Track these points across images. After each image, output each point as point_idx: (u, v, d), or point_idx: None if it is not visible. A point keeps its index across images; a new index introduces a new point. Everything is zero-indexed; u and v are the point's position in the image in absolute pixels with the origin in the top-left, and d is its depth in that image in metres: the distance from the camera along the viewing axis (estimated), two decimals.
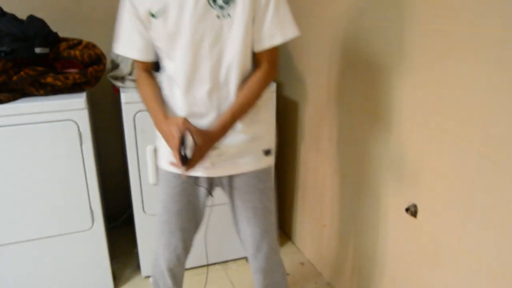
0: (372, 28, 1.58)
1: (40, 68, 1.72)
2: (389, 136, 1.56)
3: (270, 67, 1.26)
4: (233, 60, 1.21)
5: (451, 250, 1.36)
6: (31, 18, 1.78)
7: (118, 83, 1.96)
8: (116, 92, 2.03)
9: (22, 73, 1.69)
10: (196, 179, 1.40)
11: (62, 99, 1.72)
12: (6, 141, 1.67)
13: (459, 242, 1.33)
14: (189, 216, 1.43)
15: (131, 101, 1.81)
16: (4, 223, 1.75)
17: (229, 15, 1.17)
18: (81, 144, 1.76)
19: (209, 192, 1.45)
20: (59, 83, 1.75)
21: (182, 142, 1.17)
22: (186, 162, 1.19)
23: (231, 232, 2.15)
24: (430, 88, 1.35)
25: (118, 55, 2.04)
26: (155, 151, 1.85)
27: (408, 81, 1.44)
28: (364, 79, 1.66)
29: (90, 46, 1.85)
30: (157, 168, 1.46)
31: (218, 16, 1.17)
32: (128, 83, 1.94)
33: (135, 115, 1.83)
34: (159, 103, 1.30)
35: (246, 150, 1.35)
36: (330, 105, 1.91)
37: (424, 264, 1.50)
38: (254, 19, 1.19)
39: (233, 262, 2.24)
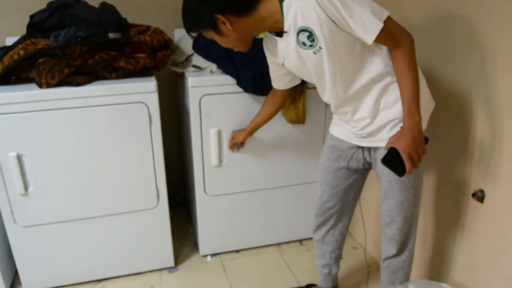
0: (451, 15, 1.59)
1: (113, 53, 1.80)
2: (456, 123, 1.58)
3: (395, 43, 1.28)
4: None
5: None
6: (104, 4, 1.85)
7: (179, 69, 2.03)
8: (180, 77, 2.10)
9: (97, 57, 1.77)
10: None
11: (134, 82, 1.80)
12: (81, 121, 1.75)
13: None
14: None
15: (197, 85, 1.87)
16: (75, 200, 1.85)
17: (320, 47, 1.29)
18: (150, 126, 1.83)
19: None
20: (130, 67, 1.82)
21: None
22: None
23: (284, 214, 2.23)
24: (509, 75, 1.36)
25: (180, 39, 2.11)
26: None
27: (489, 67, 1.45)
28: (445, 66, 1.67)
29: (158, 31, 1.92)
30: None
31: (314, 53, 1.32)
32: (190, 68, 2.00)
33: (200, 99, 1.89)
34: None
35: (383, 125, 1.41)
36: None
37: (491, 250, 1.52)
38: (346, 30, 1.26)
39: (286, 244, 2.30)
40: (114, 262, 2.03)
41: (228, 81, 1.90)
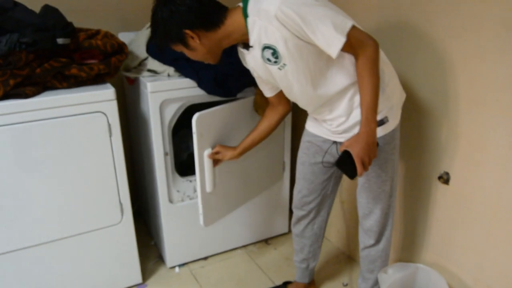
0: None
1: (64, 60, 1.65)
2: (421, 113, 1.67)
3: (359, 51, 1.28)
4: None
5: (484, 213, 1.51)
6: (47, 7, 1.69)
7: (132, 75, 1.92)
8: (132, 83, 1.98)
9: (46, 65, 1.61)
10: None
11: (90, 90, 1.67)
12: (31, 137, 1.58)
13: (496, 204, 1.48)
14: None
15: (157, 90, 1.78)
16: (33, 223, 1.67)
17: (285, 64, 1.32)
18: (110, 136, 1.71)
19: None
20: (83, 75, 1.68)
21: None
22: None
23: (248, 215, 2.21)
24: (471, 63, 1.47)
25: (130, 43, 2.00)
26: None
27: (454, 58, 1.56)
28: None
29: (109, 35, 1.80)
30: None
31: (279, 69, 1.35)
32: (145, 73, 1.90)
33: (161, 104, 1.80)
34: None
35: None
36: None
37: (457, 227, 1.64)
38: (310, 42, 1.26)
39: (253, 245, 2.29)
40: (77, 286, 1.86)
41: (188, 84, 1.84)
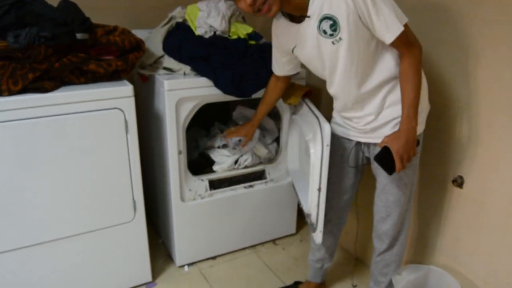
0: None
1: (82, 55, 1.64)
2: (437, 116, 1.68)
3: (407, 49, 1.33)
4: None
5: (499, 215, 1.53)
6: (66, 2, 1.68)
7: (148, 72, 1.91)
8: (145, 80, 1.98)
9: (65, 59, 1.60)
10: None
11: (108, 86, 1.66)
12: (48, 132, 1.56)
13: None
14: None
15: (174, 88, 1.78)
16: (46, 219, 1.65)
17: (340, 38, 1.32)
18: (126, 133, 1.70)
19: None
20: (101, 71, 1.67)
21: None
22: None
23: (256, 217, 2.21)
24: (491, 72, 1.49)
25: (146, 40, 1.99)
26: None
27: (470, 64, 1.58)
28: None
29: (126, 32, 1.78)
30: None
31: (333, 43, 1.34)
32: (161, 71, 1.89)
33: (177, 102, 1.80)
34: None
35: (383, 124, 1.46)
36: None
37: (470, 230, 1.66)
38: (367, 25, 1.29)
39: (261, 246, 2.29)
40: (87, 283, 1.85)
41: (205, 83, 1.84)
